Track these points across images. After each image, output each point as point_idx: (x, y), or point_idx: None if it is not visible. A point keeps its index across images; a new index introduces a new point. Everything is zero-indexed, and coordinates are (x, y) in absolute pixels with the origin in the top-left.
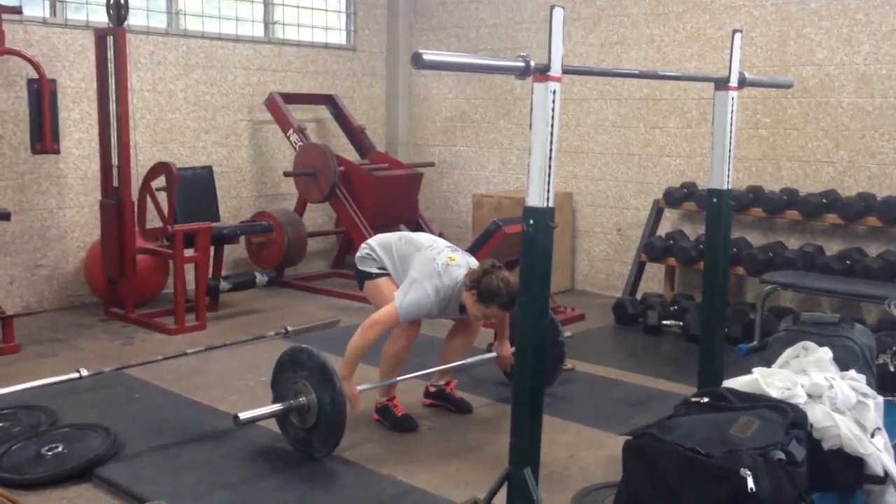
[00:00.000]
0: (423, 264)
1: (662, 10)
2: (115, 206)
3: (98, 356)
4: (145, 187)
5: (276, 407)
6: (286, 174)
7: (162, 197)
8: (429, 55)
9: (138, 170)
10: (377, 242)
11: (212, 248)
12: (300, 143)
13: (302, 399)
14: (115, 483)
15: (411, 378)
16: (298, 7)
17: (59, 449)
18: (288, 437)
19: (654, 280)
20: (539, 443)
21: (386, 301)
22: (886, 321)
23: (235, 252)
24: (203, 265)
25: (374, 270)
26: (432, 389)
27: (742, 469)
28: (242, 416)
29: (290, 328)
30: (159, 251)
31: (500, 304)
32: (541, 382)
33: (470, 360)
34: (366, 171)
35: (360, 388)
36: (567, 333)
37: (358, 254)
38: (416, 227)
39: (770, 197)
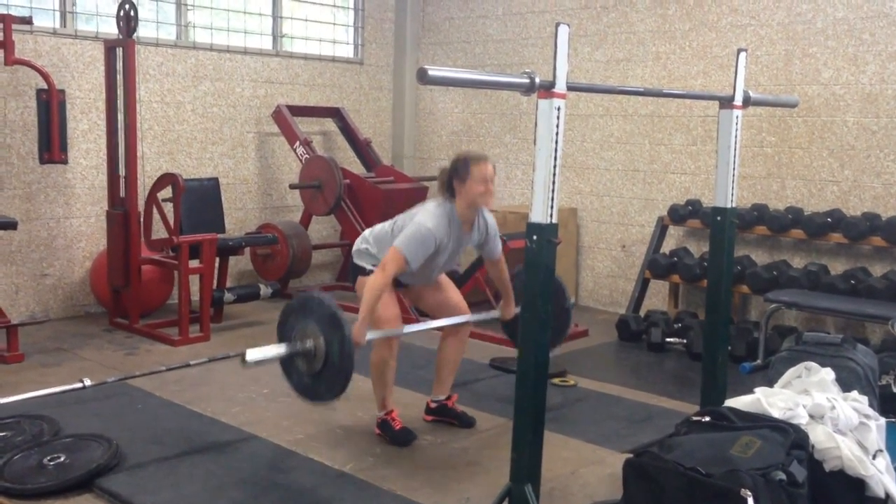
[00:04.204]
0: (410, 217)
1: (669, 27)
2: (122, 216)
3: (102, 366)
4: (152, 198)
5: (284, 348)
6: (292, 186)
7: (168, 208)
8: (434, 71)
9: (145, 180)
10: (373, 235)
11: (217, 260)
12: (306, 156)
13: (309, 343)
14: (116, 494)
15: (424, 329)
16: (307, 21)
17: (61, 459)
18: (293, 383)
19: (658, 297)
20: (540, 459)
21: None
22: (890, 341)
23: (240, 263)
24: (208, 276)
25: (369, 266)
26: (433, 405)
27: (742, 489)
28: (249, 355)
29: None
30: (164, 262)
31: (473, 160)
32: (543, 397)
33: (476, 316)
34: (371, 185)
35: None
36: (572, 300)
37: (354, 247)
38: None
39: (775, 215)
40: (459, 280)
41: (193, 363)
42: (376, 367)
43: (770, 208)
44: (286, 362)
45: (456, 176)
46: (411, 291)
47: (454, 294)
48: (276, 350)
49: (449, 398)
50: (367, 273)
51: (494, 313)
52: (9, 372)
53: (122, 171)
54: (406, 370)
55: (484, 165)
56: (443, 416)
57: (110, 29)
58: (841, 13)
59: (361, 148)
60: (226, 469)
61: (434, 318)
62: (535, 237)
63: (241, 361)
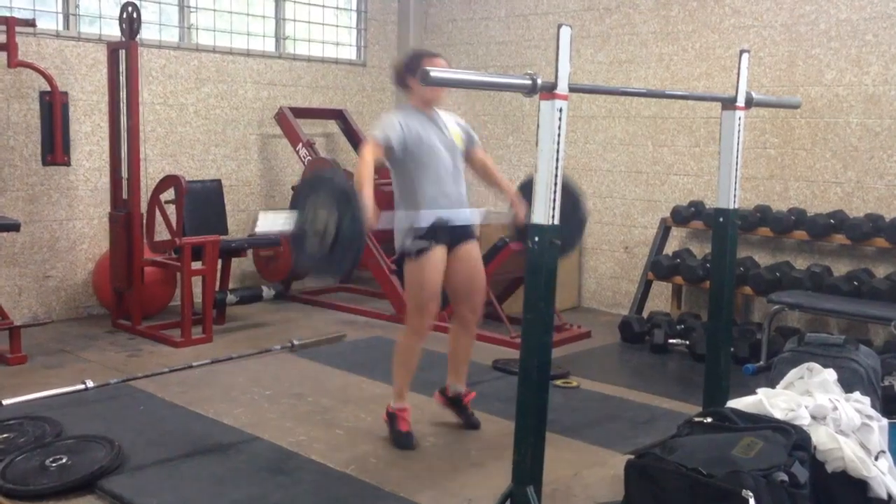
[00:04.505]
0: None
1: (672, 29)
2: (125, 218)
3: (104, 368)
4: (154, 200)
5: (294, 216)
6: (295, 188)
7: (171, 210)
8: (436, 72)
9: (148, 182)
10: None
11: (219, 261)
12: (309, 158)
13: (322, 214)
14: (118, 496)
15: None
16: (309, 23)
17: (64, 460)
18: (302, 262)
19: (660, 298)
20: (542, 461)
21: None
22: (893, 343)
23: (243, 265)
24: (210, 278)
25: (403, 242)
26: (450, 393)
27: (744, 490)
28: (259, 224)
29: (296, 342)
30: (167, 263)
31: (426, 56)
32: (545, 399)
33: (485, 211)
34: (374, 186)
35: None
36: (587, 213)
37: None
38: None
39: (778, 216)
40: None
41: (196, 364)
42: (402, 352)
43: (773, 209)
44: (297, 238)
45: (409, 71)
46: (455, 257)
47: (476, 277)
48: (287, 219)
49: (467, 394)
50: (404, 252)
51: (504, 215)
52: (11, 373)
53: (124, 173)
54: None
55: (437, 61)
56: (454, 407)
57: (113, 31)
58: (844, 14)
59: None
60: (228, 470)
61: (457, 299)
62: (536, 238)
63: (252, 226)
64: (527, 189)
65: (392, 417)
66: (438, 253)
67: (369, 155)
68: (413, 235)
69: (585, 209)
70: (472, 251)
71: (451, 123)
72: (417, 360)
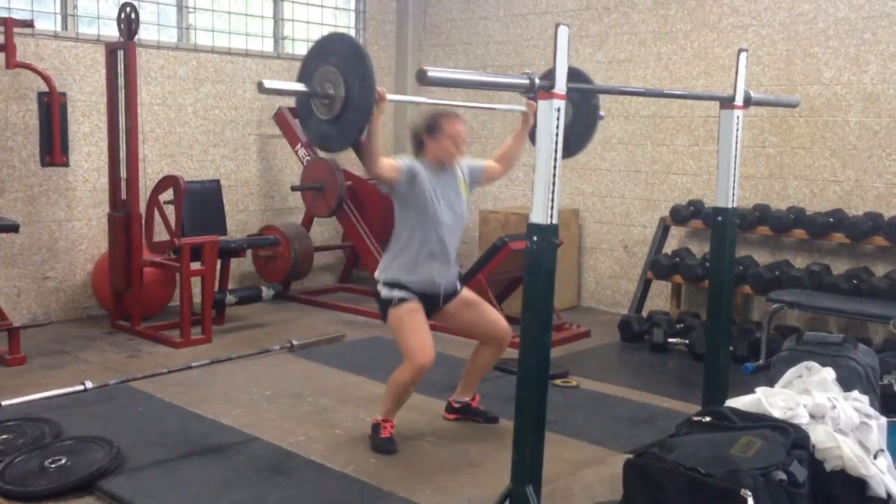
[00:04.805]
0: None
1: (670, 28)
2: (124, 218)
3: (103, 368)
4: (153, 200)
5: (302, 86)
6: (293, 188)
7: (170, 210)
8: (433, 72)
9: (147, 183)
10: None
11: (219, 262)
12: (308, 158)
13: (329, 87)
14: (117, 496)
15: None
16: (308, 23)
17: (63, 461)
18: (309, 132)
19: (660, 297)
20: (541, 460)
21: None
22: (892, 341)
23: (242, 265)
24: (209, 278)
25: (384, 291)
26: (456, 405)
27: (743, 489)
28: (267, 83)
29: (295, 342)
30: (166, 264)
31: (444, 117)
32: (544, 398)
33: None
34: (373, 186)
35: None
36: (602, 113)
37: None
38: None
39: (777, 215)
40: (464, 279)
41: (195, 365)
42: (395, 386)
43: (772, 208)
44: (304, 104)
45: (427, 131)
46: (443, 315)
47: (491, 311)
48: (295, 84)
49: (473, 398)
50: (385, 299)
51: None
52: (10, 374)
53: (123, 174)
54: None
55: (455, 122)
56: (467, 414)
57: (111, 32)
58: (842, 13)
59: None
60: (227, 471)
61: (467, 335)
62: (535, 238)
63: (257, 86)
64: None
65: (376, 427)
66: (419, 304)
67: (384, 157)
68: (398, 289)
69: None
70: (460, 299)
71: (461, 168)
72: (409, 396)
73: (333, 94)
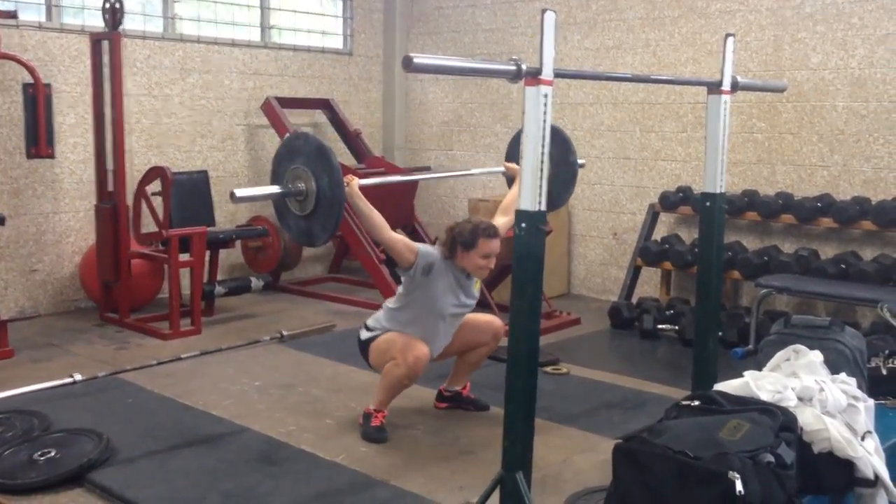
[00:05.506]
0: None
1: (658, 14)
2: (111, 210)
3: (92, 361)
4: (140, 192)
5: (275, 189)
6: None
7: (157, 201)
8: (420, 58)
9: (134, 174)
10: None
11: (207, 253)
12: None
13: (301, 184)
14: (107, 488)
15: None
16: (295, 12)
17: (52, 454)
18: (289, 228)
19: (649, 284)
20: (531, 447)
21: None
22: (880, 324)
23: (231, 256)
24: (198, 270)
25: (366, 333)
26: (447, 394)
27: (731, 472)
28: (238, 192)
29: (285, 332)
30: (154, 256)
31: (483, 236)
32: (534, 385)
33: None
34: (362, 175)
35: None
36: (581, 161)
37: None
38: (413, 231)
39: (765, 201)
40: None
41: (185, 356)
42: (389, 378)
43: (760, 194)
44: (280, 205)
45: (462, 242)
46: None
47: (477, 316)
48: (266, 189)
49: (463, 388)
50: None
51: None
52: None
53: (110, 165)
54: None
55: (492, 242)
56: (457, 403)
57: (96, 22)
58: None
59: (351, 139)
60: (218, 462)
61: (468, 349)
62: (523, 224)
63: (230, 197)
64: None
65: (367, 415)
66: None
67: (396, 234)
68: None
69: (576, 155)
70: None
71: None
72: (403, 390)
73: (305, 189)
